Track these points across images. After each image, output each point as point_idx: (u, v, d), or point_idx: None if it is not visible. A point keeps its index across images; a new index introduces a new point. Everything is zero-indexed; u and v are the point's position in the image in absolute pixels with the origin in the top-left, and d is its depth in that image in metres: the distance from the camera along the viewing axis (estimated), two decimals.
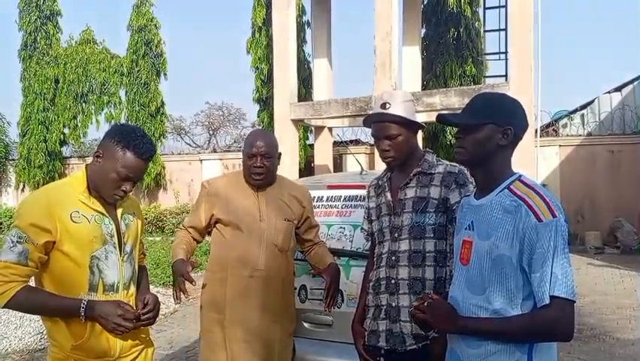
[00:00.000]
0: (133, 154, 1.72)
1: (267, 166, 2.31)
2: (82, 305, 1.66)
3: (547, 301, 1.37)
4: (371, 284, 2.05)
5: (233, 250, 2.30)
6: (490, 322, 1.46)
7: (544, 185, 10.83)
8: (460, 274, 1.59)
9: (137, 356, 1.85)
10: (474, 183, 1.95)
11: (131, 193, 1.84)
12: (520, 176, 1.55)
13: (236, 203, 2.35)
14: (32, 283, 1.75)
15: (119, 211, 1.83)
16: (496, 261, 1.46)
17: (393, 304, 1.94)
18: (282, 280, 2.36)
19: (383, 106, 1.96)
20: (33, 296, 1.67)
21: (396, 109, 1.94)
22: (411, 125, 1.98)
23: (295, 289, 2.61)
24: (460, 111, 1.63)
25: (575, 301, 1.40)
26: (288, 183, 2.56)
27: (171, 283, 7.19)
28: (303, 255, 2.59)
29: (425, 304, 1.54)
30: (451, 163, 2.02)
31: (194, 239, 2.44)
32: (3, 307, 1.66)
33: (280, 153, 2.43)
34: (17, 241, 1.63)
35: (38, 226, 1.64)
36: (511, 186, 1.51)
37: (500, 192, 1.52)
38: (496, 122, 1.51)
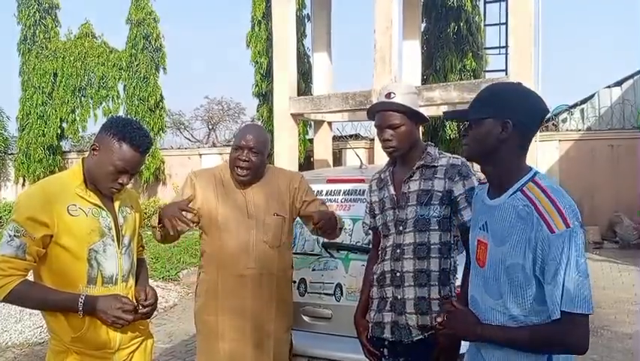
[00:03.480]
0: (129, 147, 1.72)
1: (254, 162, 2.21)
2: (80, 300, 1.66)
3: (557, 315, 1.32)
4: (375, 277, 2.05)
5: (222, 248, 2.24)
6: (505, 331, 1.42)
7: None
8: (478, 275, 1.54)
9: (136, 348, 1.86)
10: (477, 175, 1.96)
11: (129, 186, 1.84)
12: (535, 175, 1.44)
13: (223, 200, 2.27)
14: (31, 276, 1.75)
15: (117, 204, 1.83)
16: (510, 269, 1.41)
17: (399, 297, 1.95)
18: (276, 277, 2.29)
19: (388, 96, 1.97)
20: (31, 291, 1.67)
21: (401, 99, 1.95)
22: (414, 117, 1.98)
23: (295, 282, 2.62)
24: (459, 106, 1.62)
25: (589, 314, 1.33)
26: (278, 171, 2.44)
27: (170, 277, 7.20)
28: (315, 233, 2.34)
29: (446, 317, 1.53)
30: (454, 155, 2.02)
31: None
32: (1, 301, 1.66)
33: (270, 154, 2.32)
34: (15, 235, 1.63)
35: (36, 220, 1.64)
36: (524, 188, 1.42)
37: (513, 193, 1.43)
38: (495, 115, 1.43)
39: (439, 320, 1.55)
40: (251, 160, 2.20)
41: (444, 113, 1.65)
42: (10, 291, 1.63)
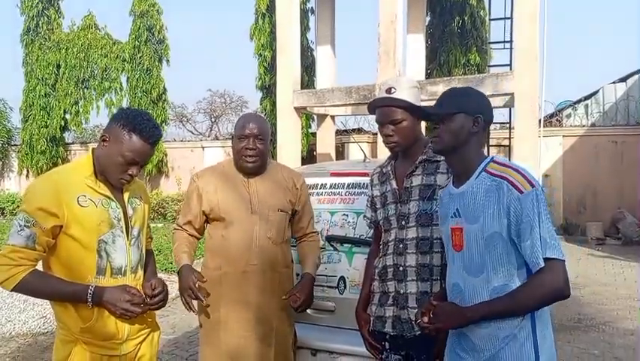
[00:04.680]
0: (139, 138, 1.72)
1: (260, 149, 2.21)
2: (89, 291, 1.67)
3: (542, 264, 1.47)
4: (377, 271, 2.05)
5: (225, 245, 2.24)
6: (496, 302, 1.53)
7: (546, 175, 10.87)
8: (455, 261, 1.66)
9: (144, 339, 1.87)
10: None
11: (137, 177, 1.85)
12: (493, 157, 1.65)
13: (227, 196, 2.26)
14: (40, 267, 1.76)
15: (126, 195, 1.84)
16: (489, 240, 1.55)
17: (401, 291, 1.96)
18: (279, 273, 2.29)
19: (388, 91, 1.95)
20: (40, 281, 1.68)
21: (402, 94, 1.94)
22: (415, 112, 1.97)
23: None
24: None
25: (564, 261, 1.50)
26: (282, 168, 2.44)
27: (173, 269, 7.21)
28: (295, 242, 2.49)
29: (431, 315, 1.61)
30: None
31: (193, 236, 2.34)
32: (11, 291, 1.67)
33: (272, 140, 2.32)
34: (25, 225, 1.63)
35: (46, 210, 1.64)
36: (488, 168, 1.61)
37: (478, 175, 1.61)
38: (467, 111, 1.62)
39: (425, 319, 1.62)
40: (258, 148, 2.20)
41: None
42: (19, 281, 1.64)
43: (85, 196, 1.71)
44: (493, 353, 1.56)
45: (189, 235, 2.34)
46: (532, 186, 1.51)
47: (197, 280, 2.14)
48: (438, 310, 1.61)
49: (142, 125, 1.72)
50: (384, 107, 1.97)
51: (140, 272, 1.87)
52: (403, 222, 1.97)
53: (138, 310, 1.72)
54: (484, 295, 1.56)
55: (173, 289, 6.37)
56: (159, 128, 1.79)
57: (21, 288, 1.65)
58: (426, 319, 1.62)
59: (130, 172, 1.75)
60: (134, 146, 1.72)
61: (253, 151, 2.20)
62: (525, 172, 1.56)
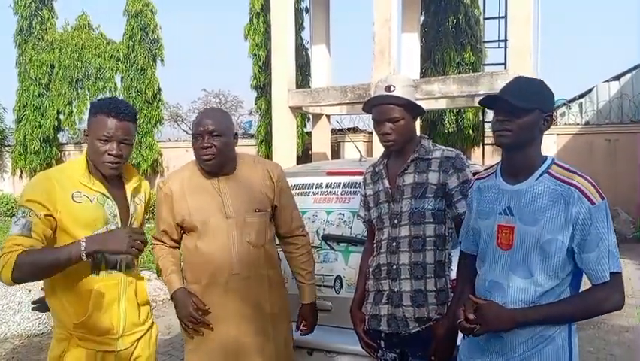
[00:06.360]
0: (104, 115, 1.76)
1: (217, 146, 1.97)
2: (82, 242, 1.64)
3: (608, 278, 1.46)
4: (371, 270, 2.05)
5: (202, 256, 2.03)
6: (550, 309, 1.50)
7: None
8: (500, 259, 1.59)
9: (141, 337, 1.88)
10: (470, 168, 1.97)
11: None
12: (554, 160, 1.57)
13: (198, 202, 2.04)
14: None
15: (129, 192, 1.87)
16: (545, 245, 1.50)
17: (395, 290, 1.96)
18: (266, 277, 2.10)
19: (388, 89, 1.93)
20: (32, 256, 1.62)
21: (401, 92, 1.93)
22: (413, 110, 1.97)
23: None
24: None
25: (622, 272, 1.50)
26: (255, 162, 2.19)
27: None
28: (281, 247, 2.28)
29: (475, 313, 1.52)
30: (448, 148, 2.02)
31: (173, 248, 2.16)
32: (13, 282, 1.62)
33: (236, 134, 2.10)
34: (21, 216, 1.67)
35: (36, 201, 1.68)
36: (550, 171, 1.53)
37: (539, 177, 1.54)
38: (542, 108, 1.54)
39: (471, 317, 1.52)
40: (213, 145, 1.98)
41: (489, 96, 1.62)
42: (13, 265, 1.59)
43: (80, 192, 1.75)
44: (528, 354, 1.52)
45: (170, 247, 2.15)
46: (602, 197, 1.47)
47: (196, 304, 2.00)
48: (484, 310, 1.52)
49: (102, 102, 1.78)
50: (382, 105, 1.95)
51: (137, 269, 1.90)
52: (396, 221, 1.97)
53: (143, 237, 1.70)
54: (529, 297, 1.52)
55: (166, 294, 6.31)
56: (127, 104, 1.82)
57: (19, 273, 1.60)
58: (472, 316, 1.52)
59: (110, 152, 1.75)
60: (103, 123, 1.75)
61: (208, 150, 1.98)
62: (593, 181, 1.50)
